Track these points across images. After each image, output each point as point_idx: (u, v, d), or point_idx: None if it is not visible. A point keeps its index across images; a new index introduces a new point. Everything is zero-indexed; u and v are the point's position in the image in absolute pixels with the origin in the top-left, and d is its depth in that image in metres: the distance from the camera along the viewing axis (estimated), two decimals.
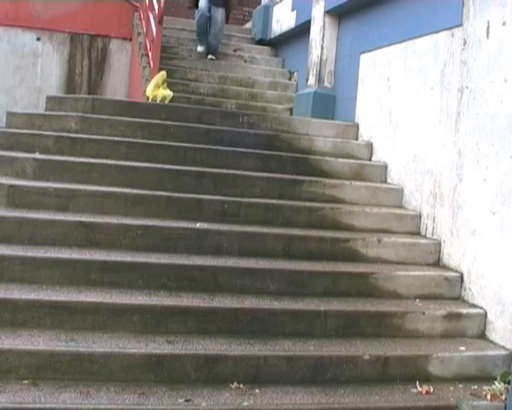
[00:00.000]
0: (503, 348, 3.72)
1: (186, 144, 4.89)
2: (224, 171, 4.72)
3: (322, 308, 3.72)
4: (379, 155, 5.42)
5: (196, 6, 7.58)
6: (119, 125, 4.95)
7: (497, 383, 3.43)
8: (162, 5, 6.46)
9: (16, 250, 3.68)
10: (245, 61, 7.98)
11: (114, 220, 4.02)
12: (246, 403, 3.07)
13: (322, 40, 6.34)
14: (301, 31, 7.17)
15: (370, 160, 5.50)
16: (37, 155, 4.52)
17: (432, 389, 3.41)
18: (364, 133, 5.69)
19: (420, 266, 4.34)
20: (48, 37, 8.77)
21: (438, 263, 4.42)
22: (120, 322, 3.41)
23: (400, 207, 4.96)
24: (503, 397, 3.30)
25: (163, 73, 6.33)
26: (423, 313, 3.84)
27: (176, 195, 4.37)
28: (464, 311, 3.94)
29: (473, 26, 4.24)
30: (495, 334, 3.83)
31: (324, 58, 6.35)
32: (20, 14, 8.61)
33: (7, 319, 3.29)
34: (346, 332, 3.71)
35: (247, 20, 10.61)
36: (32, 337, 3.20)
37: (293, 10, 7.55)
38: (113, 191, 4.25)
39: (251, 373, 3.29)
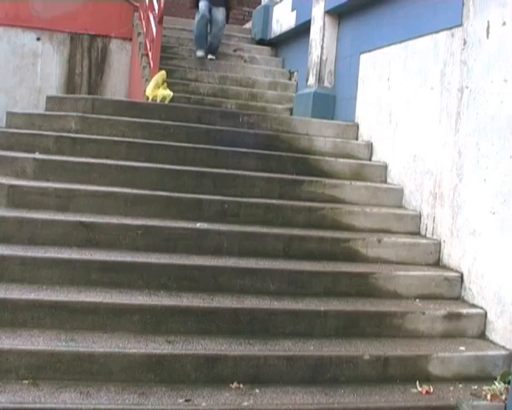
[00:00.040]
0: (503, 348, 3.72)
1: (186, 144, 4.89)
2: (223, 171, 4.72)
3: (322, 308, 3.72)
4: (379, 155, 5.42)
5: (197, 6, 7.53)
6: (119, 125, 4.96)
7: (497, 383, 3.43)
8: (162, 5, 6.47)
9: (16, 250, 3.68)
10: (245, 61, 7.98)
11: (114, 220, 4.02)
12: (246, 403, 3.07)
13: (322, 40, 6.34)
14: (301, 31, 7.17)
15: (370, 160, 5.50)
16: (37, 155, 4.53)
17: (432, 389, 3.40)
18: (364, 133, 5.69)
19: (420, 266, 4.34)
20: (48, 37, 8.77)
21: (438, 263, 4.42)
22: (120, 322, 3.41)
23: (400, 207, 4.96)
24: (503, 397, 3.30)
25: (163, 73, 6.33)
26: (423, 313, 3.84)
27: (176, 195, 4.37)
28: (464, 311, 3.94)
29: (473, 26, 4.23)
30: (495, 334, 3.83)
31: (324, 58, 6.35)
32: (20, 14, 8.61)
33: (7, 319, 3.30)
34: (346, 332, 3.71)
35: (247, 20, 10.60)
36: (32, 337, 3.20)
37: (293, 10, 7.55)
38: (113, 191, 4.25)
39: (251, 373, 3.29)
